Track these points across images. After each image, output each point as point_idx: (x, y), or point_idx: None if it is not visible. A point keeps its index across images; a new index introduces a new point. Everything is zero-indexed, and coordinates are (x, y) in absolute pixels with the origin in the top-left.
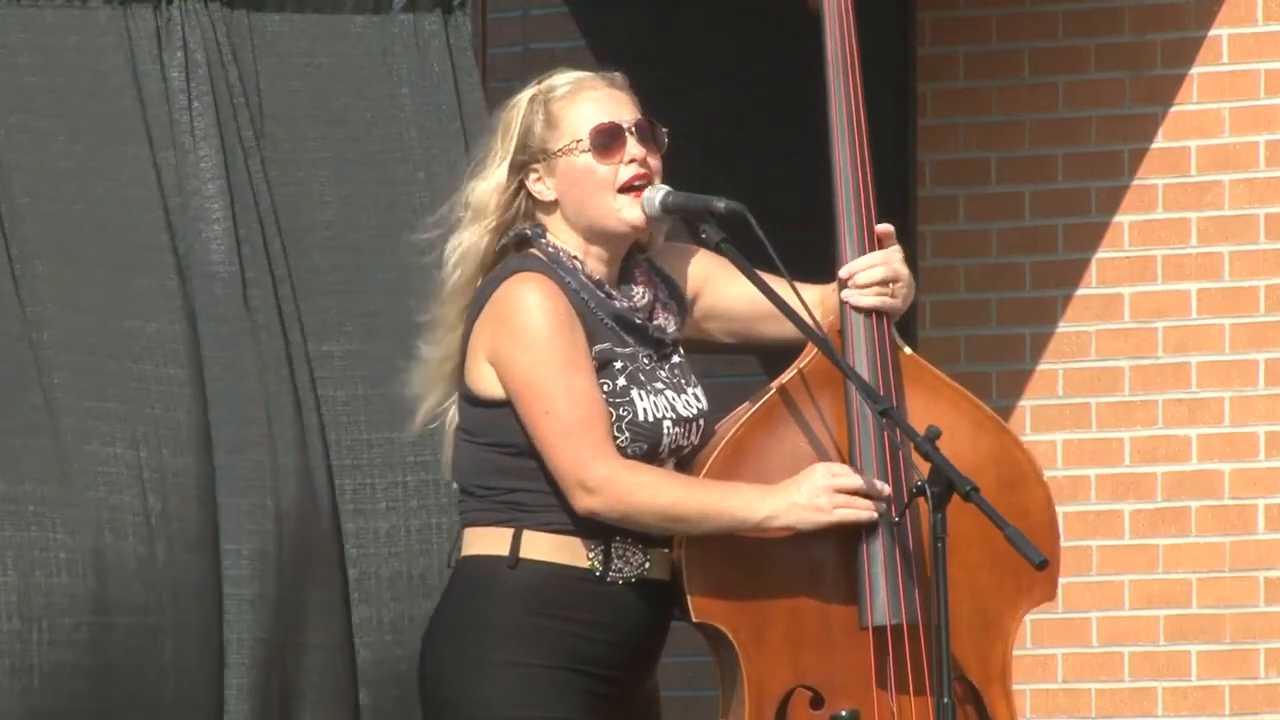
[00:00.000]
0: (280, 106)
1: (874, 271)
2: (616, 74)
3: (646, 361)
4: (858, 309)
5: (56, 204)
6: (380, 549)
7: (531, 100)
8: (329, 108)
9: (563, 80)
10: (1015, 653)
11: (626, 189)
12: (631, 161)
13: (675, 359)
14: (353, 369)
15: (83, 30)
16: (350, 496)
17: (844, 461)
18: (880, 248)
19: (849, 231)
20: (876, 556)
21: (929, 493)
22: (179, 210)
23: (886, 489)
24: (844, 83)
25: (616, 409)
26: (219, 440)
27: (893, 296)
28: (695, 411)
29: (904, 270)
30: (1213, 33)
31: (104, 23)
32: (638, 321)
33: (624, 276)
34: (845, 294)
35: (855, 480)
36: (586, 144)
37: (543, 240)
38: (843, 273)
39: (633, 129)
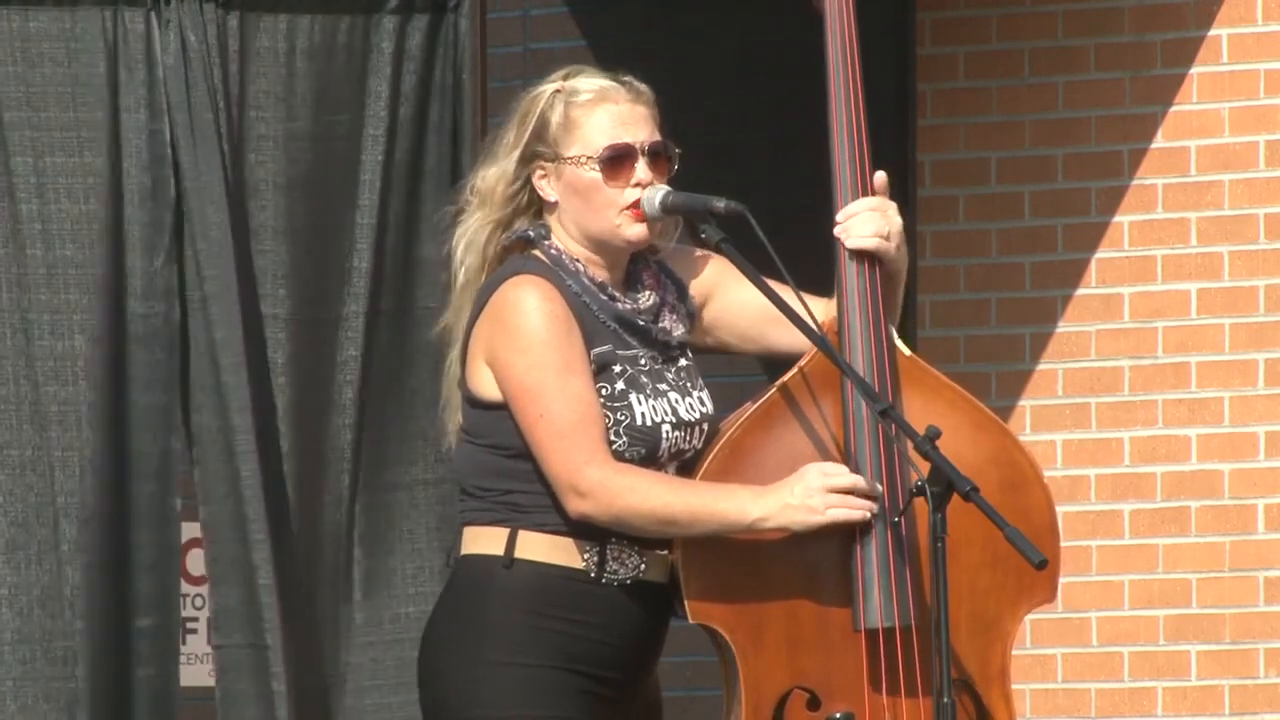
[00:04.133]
0: (270, 108)
1: (870, 214)
2: (644, 88)
3: (650, 364)
4: (852, 251)
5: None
6: None
7: (554, 95)
8: (319, 110)
9: (587, 86)
10: (1015, 652)
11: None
12: (638, 185)
13: (682, 362)
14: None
15: (72, 33)
16: None
17: (844, 462)
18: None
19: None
20: (870, 559)
21: (929, 492)
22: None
23: (880, 488)
24: (844, 80)
25: (614, 413)
26: None
27: (887, 240)
28: (698, 415)
29: (897, 220)
30: (1213, 33)
31: (93, 25)
32: (641, 324)
33: (631, 279)
34: (838, 231)
35: (848, 480)
36: (596, 161)
37: (546, 242)
38: (839, 216)
39: (645, 150)
